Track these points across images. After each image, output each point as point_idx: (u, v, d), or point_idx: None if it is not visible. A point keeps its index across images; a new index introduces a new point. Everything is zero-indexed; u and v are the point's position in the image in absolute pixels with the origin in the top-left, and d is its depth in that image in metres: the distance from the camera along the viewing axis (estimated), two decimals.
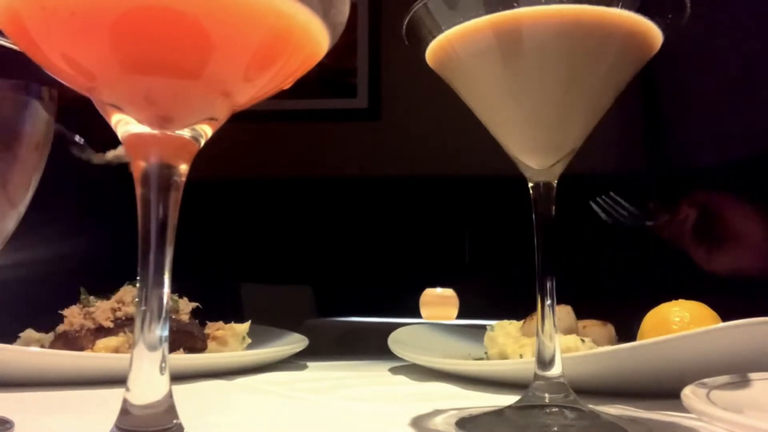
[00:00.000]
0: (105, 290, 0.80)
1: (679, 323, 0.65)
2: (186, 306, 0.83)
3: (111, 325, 0.75)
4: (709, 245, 1.11)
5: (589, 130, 0.47)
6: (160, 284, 0.34)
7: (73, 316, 0.76)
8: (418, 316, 1.53)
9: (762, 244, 1.08)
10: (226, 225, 1.81)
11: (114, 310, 0.76)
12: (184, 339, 0.77)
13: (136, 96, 0.33)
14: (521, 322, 0.80)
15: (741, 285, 1.07)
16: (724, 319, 0.59)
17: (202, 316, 0.85)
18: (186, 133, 0.35)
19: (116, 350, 0.72)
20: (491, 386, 0.67)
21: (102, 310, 0.76)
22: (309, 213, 1.88)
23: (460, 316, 1.54)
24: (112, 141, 0.35)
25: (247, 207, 1.86)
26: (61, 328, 0.76)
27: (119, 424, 0.33)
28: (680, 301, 0.68)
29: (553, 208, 0.48)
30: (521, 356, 0.73)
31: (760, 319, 0.51)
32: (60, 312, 0.77)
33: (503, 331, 0.79)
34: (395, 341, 0.84)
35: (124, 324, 0.75)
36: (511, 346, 0.76)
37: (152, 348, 0.33)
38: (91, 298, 0.79)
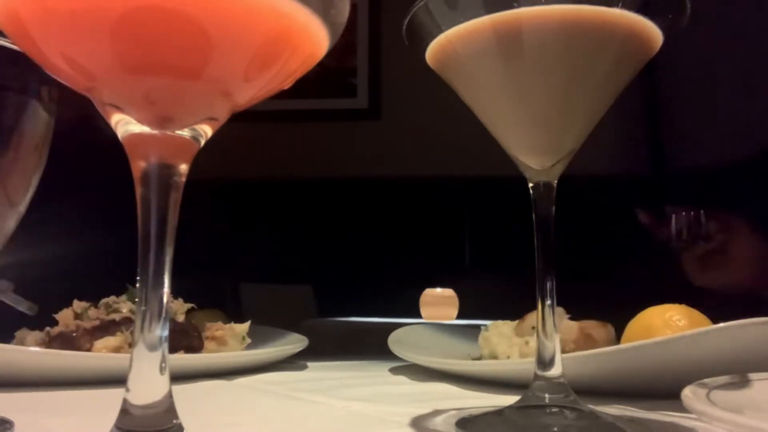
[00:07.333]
0: (104, 293, 0.80)
1: (669, 326, 0.64)
2: (181, 307, 0.83)
3: (107, 324, 0.75)
4: (705, 261, 1.10)
5: (589, 130, 0.47)
6: (160, 284, 0.34)
7: (67, 319, 0.76)
8: (418, 316, 1.53)
9: (755, 263, 1.07)
10: (226, 225, 1.81)
11: (108, 312, 0.76)
12: (181, 339, 0.77)
13: (136, 96, 0.33)
14: (515, 322, 0.80)
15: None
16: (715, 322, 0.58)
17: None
18: (186, 133, 0.35)
19: (116, 350, 0.72)
20: (491, 386, 0.67)
21: (95, 311, 0.76)
22: (309, 213, 1.87)
23: (460, 316, 1.54)
24: (112, 141, 0.35)
25: (247, 207, 1.86)
26: (55, 330, 0.76)
27: (119, 424, 0.33)
28: (667, 305, 0.68)
29: (553, 208, 0.48)
30: (508, 357, 0.73)
31: (760, 319, 0.51)
32: (54, 316, 0.77)
33: (497, 331, 0.79)
34: (395, 341, 0.84)
35: (122, 324, 0.75)
36: (502, 346, 0.76)
37: (152, 348, 0.34)
38: (84, 303, 0.78)
